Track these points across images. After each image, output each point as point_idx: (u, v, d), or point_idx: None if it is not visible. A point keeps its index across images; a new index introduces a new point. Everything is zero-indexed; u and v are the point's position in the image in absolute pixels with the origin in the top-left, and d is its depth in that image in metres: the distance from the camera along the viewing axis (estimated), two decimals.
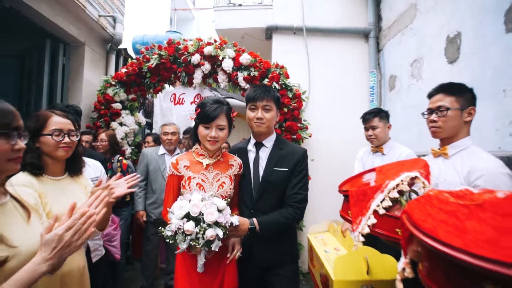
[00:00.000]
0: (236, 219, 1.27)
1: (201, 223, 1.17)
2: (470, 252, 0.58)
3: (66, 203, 1.19)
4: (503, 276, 0.51)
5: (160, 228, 1.25)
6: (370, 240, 2.20)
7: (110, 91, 3.33)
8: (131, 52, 5.15)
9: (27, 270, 0.76)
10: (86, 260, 1.36)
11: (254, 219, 1.37)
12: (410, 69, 2.80)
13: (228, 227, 1.22)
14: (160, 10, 9.02)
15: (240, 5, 3.97)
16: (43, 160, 1.23)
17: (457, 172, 1.33)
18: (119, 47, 4.03)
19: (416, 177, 1.23)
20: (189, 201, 1.22)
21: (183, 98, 3.63)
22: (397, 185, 1.20)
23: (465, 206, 0.84)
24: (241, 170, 1.53)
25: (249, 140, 1.63)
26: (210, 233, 1.16)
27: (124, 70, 3.37)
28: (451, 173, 1.35)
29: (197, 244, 1.16)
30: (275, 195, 1.47)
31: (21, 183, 1.02)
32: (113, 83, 3.39)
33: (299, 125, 3.14)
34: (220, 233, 1.19)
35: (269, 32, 3.74)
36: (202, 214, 1.18)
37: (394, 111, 3.11)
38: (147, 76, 3.33)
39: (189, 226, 1.16)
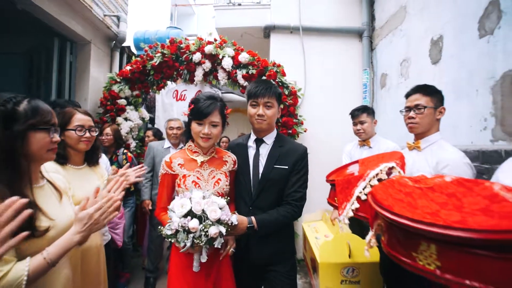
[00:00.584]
0: (235, 218, 1.27)
1: (205, 221, 1.18)
2: (413, 219, 0.77)
3: (86, 188, 1.39)
4: (436, 234, 0.69)
5: (159, 227, 1.25)
6: (356, 229, 2.40)
7: (115, 88, 3.50)
8: (133, 48, 5.30)
9: (64, 239, 0.95)
10: (102, 240, 1.56)
11: (253, 218, 1.37)
12: (399, 68, 2.98)
13: (230, 224, 1.23)
14: (161, 6, 9.12)
15: (239, 4, 4.11)
16: (67, 151, 1.42)
17: (427, 163, 1.52)
18: (123, 44, 4.18)
19: (393, 167, 1.41)
20: (190, 199, 1.22)
21: (184, 95, 3.81)
22: (377, 174, 1.38)
23: (419, 188, 1.04)
24: (236, 166, 1.52)
25: (249, 136, 1.60)
26: (213, 230, 1.16)
27: (128, 67, 3.53)
28: (423, 163, 1.54)
29: (200, 242, 1.16)
30: (274, 193, 1.46)
31: (51, 170, 1.21)
32: (118, 80, 3.55)
33: (294, 120, 3.32)
34: (223, 230, 1.19)
35: (267, 31, 3.89)
36: (204, 212, 1.19)
37: (385, 107, 3.29)
38: (151, 73, 3.50)
39: (194, 223, 1.16)
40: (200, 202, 1.20)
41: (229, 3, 4.17)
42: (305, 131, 3.40)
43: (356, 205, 1.33)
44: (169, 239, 1.20)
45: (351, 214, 1.34)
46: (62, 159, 1.39)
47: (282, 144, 1.51)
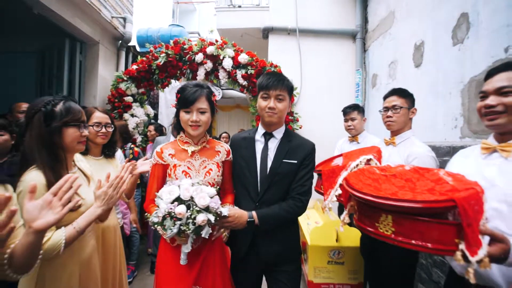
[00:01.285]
0: (226, 210, 1.26)
1: (193, 207, 1.16)
2: (376, 195, 1.00)
3: (102, 176, 1.63)
4: (392, 206, 0.91)
5: (146, 214, 1.24)
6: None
7: (122, 86, 3.73)
8: (136, 46, 5.51)
9: (88, 212, 1.18)
10: (118, 221, 1.80)
11: (253, 212, 1.34)
12: (388, 70, 3.19)
13: (218, 213, 1.21)
14: (163, 3, 9.27)
15: (239, 6, 4.31)
16: (88, 144, 1.66)
17: (400, 156, 1.75)
18: (129, 44, 4.40)
19: (371, 159, 1.65)
20: (179, 186, 1.21)
21: None
22: (357, 165, 1.61)
23: (384, 175, 1.27)
24: (230, 157, 1.51)
25: (255, 130, 1.56)
26: (201, 217, 1.14)
27: (135, 66, 3.76)
28: (397, 156, 1.77)
29: (187, 229, 1.13)
30: (282, 188, 1.43)
31: (78, 159, 1.45)
32: (125, 78, 3.78)
33: (290, 117, 3.55)
34: (212, 218, 1.17)
35: (266, 32, 4.10)
36: (193, 199, 1.17)
37: (375, 106, 3.51)
38: (156, 72, 3.72)
39: (181, 209, 1.14)
40: (188, 188, 1.19)
41: (230, 5, 4.37)
42: (300, 128, 3.63)
43: (339, 191, 1.54)
44: (155, 226, 1.19)
45: (334, 199, 1.55)
46: (84, 151, 1.63)
47: (291, 139, 1.48)
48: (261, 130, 1.51)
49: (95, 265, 1.34)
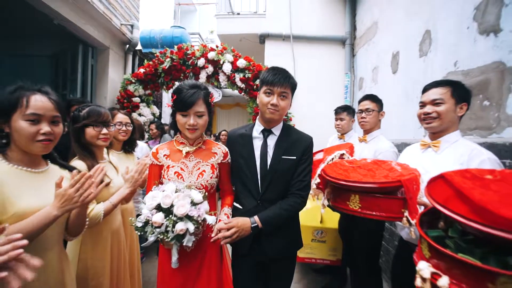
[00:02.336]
0: (212, 219, 1.23)
1: (170, 216, 1.13)
2: (347, 179, 1.34)
3: (122, 168, 1.98)
4: (359, 187, 1.25)
5: (130, 218, 1.22)
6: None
7: (131, 88, 4.08)
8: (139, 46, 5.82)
9: (120, 191, 1.53)
10: (134, 206, 2.16)
11: (255, 217, 1.33)
12: (372, 74, 3.54)
13: (200, 221, 1.18)
14: (165, 5, 9.58)
15: (238, 13, 4.65)
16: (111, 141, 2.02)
17: (370, 151, 2.11)
18: (135, 48, 4.74)
19: (343, 154, 2.01)
20: (163, 191, 1.18)
21: None
22: (332, 158, 1.98)
23: (352, 167, 1.62)
24: (227, 159, 1.48)
25: (252, 126, 1.52)
26: (180, 226, 1.12)
27: (142, 70, 4.10)
28: (368, 152, 2.13)
29: (165, 238, 1.12)
30: (282, 184, 1.41)
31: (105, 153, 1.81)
32: (133, 80, 4.13)
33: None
34: (191, 227, 1.14)
35: (263, 38, 4.44)
36: (173, 206, 1.15)
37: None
38: (161, 75, 4.07)
39: (157, 217, 1.12)
40: (170, 195, 1.15)
41: (230, 12, 4.70)
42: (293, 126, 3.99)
43: (318, 180, 1.91)
44: (139, 232, 1.17)
45: (314, 186, 1.89)
46: (108, 146, 1.99)
47: (289, 135, 1.46)
48: (259, 127, 1.47)
49: (121, 234, 1.70)
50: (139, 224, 1.16)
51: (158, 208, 1.16)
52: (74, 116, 1.51)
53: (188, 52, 3.98)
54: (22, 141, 0.99)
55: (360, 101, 2.27)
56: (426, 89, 1.50)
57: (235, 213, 1.45)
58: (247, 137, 1.47)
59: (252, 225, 1.31)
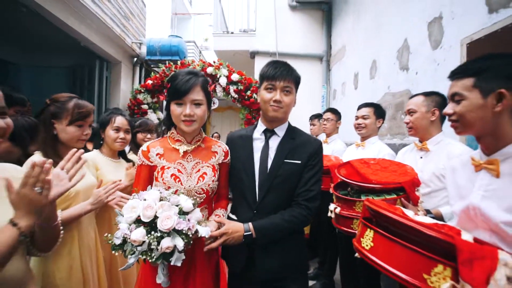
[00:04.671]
0: (205, 231, 1.04)
1: (153, 232, 0.94)
2: (349, 179, 2.02)
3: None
4: (353, 184, 1.94)
5: (106, 235, 0.99)
6: None
7: (140, 96, 4.79)
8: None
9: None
10: None
11: (250, 224, 1.16)
12: (341, 88, 4.35)
13: (191, 235, 0.98)
14: (163, 14, 10.26)
15: (232, 32, 5.41)
16: None
17: (328, 151, 2.88)
18: (142, 61, 5.45)
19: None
20: (144, 200, 0.99)
21: None
22: None
23: (366, 164, 2.32)
24: (228, 158, 1.31)
25: (254, 127, 1.37)
26: (166, 243, 0.93)
27: (150, 81, 4.81)
28: (326, 151, 2.90)
29: (148, 258, 0.93)
30: (283, 192, 1.24)
31: None
32: (142, 90, 4.83)
33: None
34: (180, 243, 0.95)
35: (253, 54, 5.21)
36: (157, 218, 0.95)
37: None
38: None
39: (137, 234, 0.92)
40: (152, 205, 0.96)
41: (224, 31, 5.46)
42: None
43: None
44: (116, 251, 0.96)
45: None
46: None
47: (294, 137, 1.30)
48: (260, 127, 1.33)
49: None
50: (117, 242, 0.94)
51: (139, 221, 0.96)
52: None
53: (190, 67, 4.71)
54: (109, 142, 1.73)
55: (324, 112, 3.05)
56: (359, 107, 2.27)
57: None
58: (247, 138, 1.34)
59: (245, 233, 1.14)
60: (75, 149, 0.96)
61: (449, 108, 0.99)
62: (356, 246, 0.97)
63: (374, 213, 0.97)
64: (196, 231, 1.01)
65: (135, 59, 5.32)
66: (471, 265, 0.73)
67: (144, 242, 0.93)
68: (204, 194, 1.21)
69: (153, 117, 4.91)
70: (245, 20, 5.85)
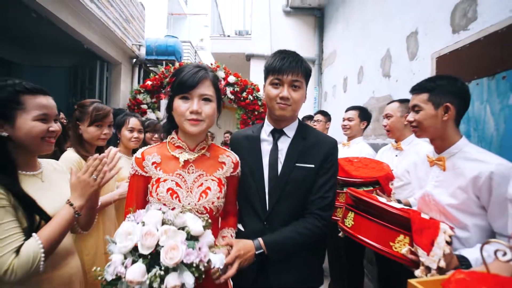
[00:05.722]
0: (219, 260, 0.86)
1: (158, 267, 0.75)
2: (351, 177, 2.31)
3: None
4: (338, 179, 2.20)
5: (94, 269, 0.80)
6: None
7: (140, 96, 4.97)
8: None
9: None
10: None
11: (261, 240, 1.04)
12: (332, 90, 4.62)
13: (203, 268, 0.80)
14: (159, 15, 10.39)
15: (228, 36, 5.63)
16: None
17: (353, 153, 3.13)
18: (141, 62, 5.62)
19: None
20: (143, 224, 0.80)
21: None
22: None
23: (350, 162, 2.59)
24: (238, 171, 1.14)
25: (261, 126, 1.25)
26: (172, 282, 0.74)
27: (149, 82, 4.99)
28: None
29: None
30: (296, 200, 1.13)
31: None
32: (141, 90, 5.02)
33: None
34: (190, 280, 0.76)
35: (248, 57, 5.44)
36: (160, 247, 0.76)
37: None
38: (166, 87, 4.98)
39: (135, 273, 0.73)
40: (152, 232, 0.77)
41: (221, 34, 5.68)
42: None
43: None
44: None
45: None
46: None
47: (306, 136, 1.18)
48: (268, 127, 1.21)
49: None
50: (108, 278, 0.77)
51: (136, 251, 0.78)
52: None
53: None
54: (125, 141, 1.95)
55: (314, 114, 3.31)
56: (346, 110, 2.53)
57: (236, 236, 1.17)
58: (254, 139, 1.22)
59: (257, 252, 1.02)
60: (111, 147, 1.09)
61: (410, 117, 1.25)
62: (341, 226, 1.23)
63: (355, 198, 1.22)
64: (209, 261, 0.83)
65: (134, 60, 5.49)
66: (421, 233, 1.00)
67: (143, 282, 0.73)
68: (206, 214, 0.99)
69: (153, 116, 5.10)
70: (241, 23, 6.07)
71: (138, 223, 0.82)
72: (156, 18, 10.10)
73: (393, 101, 1.98)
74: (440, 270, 0.93)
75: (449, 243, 0.99)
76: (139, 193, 1.04)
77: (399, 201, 1.66)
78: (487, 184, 1.00)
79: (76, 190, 0.98)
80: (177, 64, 5.00)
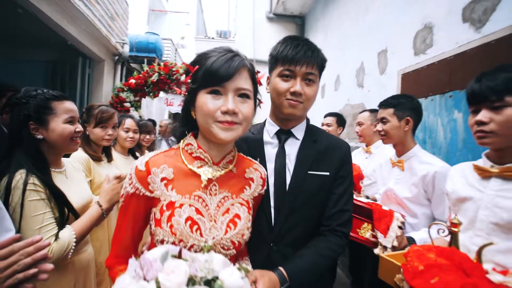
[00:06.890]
0: None
1: None
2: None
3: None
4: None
5: None
6: None
7: (123, 94, 4.98)
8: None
9: None
10: None
11: (283, 271, 0.82)
12: (320, 91, 4.93)
13: None
14: (139, 11, 10.22)
15: (213, 38, 5.79)
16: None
17: None
18: (124, 60, 5.61)
19: None
20: (156, 283, 0.52)
21: (172, 102, 5.41)
22: None
23: None
24: (265, 188, 0.91)
25: (263, 126, 1.06)
26: None
27: (133, 80, 5.01)
28: None
29: None
30: (310, 215, 0.95)
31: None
32: (125, 88, 5.03)
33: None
34: None
35: None
36: None
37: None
38: (150, 86, 5.04)
39: None
40: None
41: (206, 36, 5.81)
42: None
43: None
44: None
45: None
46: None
47: (317, 139, 1.00)
48: (271, 127, 1.03)
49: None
50: None
51: None
52: None
53: (173, 69, 5.01)
54: (121, 141, 2.08)
55: (324, 116, 3.57)
56: (325, 116, 2.82)
57: None
58: (256, 142, 1.02)
59: (282, 286, 0.80)
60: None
61: (379, 127, 1.53)
62: None
63: None
64: None
65: (117, 57, 5.47)
66: (380, 221, 1.28)
67: None
68: (233, 250, 0.77)
69: (136, 115, 5.13)
70: (225, 24, 6.23)
71: (147, 280, 0.53)
72: (136, 14, 9.95)
73: (365, 110, 2.29)
74: (394, 249, 1.21)
75: (401, 228, 1.28)
76: (137, 218, 0.77)
77: (367, 197, 1.96)
78: (432, 181, 1.29)
79: (107, 195, 1.18)
80: (162, 64, 5.06)
